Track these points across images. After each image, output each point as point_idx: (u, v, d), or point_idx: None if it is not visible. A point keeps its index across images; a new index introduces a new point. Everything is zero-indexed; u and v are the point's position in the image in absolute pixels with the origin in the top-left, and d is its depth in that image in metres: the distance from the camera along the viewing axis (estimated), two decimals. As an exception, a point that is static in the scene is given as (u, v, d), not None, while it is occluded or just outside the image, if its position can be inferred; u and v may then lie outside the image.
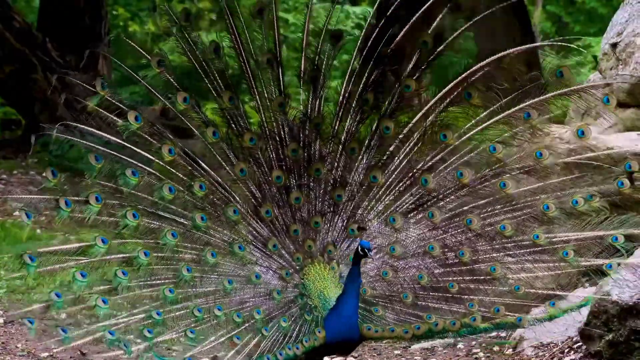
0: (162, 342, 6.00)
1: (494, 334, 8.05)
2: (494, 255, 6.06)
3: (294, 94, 6.19)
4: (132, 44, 6.40)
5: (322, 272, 6.06)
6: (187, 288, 6.01)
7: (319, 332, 5.93)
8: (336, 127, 6.12)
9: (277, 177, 6.08)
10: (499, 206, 6.07)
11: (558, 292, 6.08)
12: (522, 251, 6.06)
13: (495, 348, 7.84)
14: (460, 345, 8.02)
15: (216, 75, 6.08)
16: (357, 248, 5.85)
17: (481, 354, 7.78)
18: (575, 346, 7.20)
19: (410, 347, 8.01)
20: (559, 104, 6.02)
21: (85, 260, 5.95)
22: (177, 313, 5.98)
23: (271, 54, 6.09)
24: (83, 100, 6.04)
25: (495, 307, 6.04)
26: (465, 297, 6.06)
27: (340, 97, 6.15)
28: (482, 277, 6.06)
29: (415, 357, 7.89)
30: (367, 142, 6.12)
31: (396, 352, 7.93)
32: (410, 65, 6.06)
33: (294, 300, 6.08)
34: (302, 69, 6.13)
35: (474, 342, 8.04)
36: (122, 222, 5.96)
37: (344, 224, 6.14)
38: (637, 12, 9.51)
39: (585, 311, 6.70)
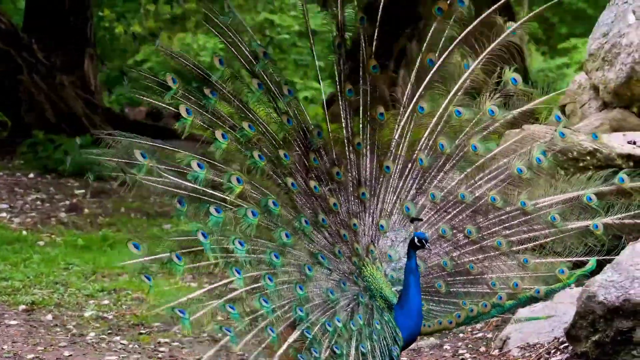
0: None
1: (480, 334, 8.07)
2: (495, 229, 6.18)
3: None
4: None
5: (373, 273, 6.10)
6: (308, 304, 5.98)
7: (398, 332, 5.98)
8: (328, 125, 6.19)
9: (315, 187, 6.14)
10: (479, 175, 6.19)
11: (562, 259, 6.18)
12: (516, 221, 6.17)
13: (482, 349, 7.84)
14: (446, 347, 8.02)
15: (217, 109, 6.05)
16: (413, 240, 5.87)
17: (467, 355, 7.78)
18: (561, 347, 7.21)
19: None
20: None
21: (229, 296, 5.86)
22: (315, 328, 5.90)
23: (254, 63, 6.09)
24: (129, 171, 5.83)
25: (513, 282, 6.15)
26: (486, 276, 6.17)
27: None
28: (492, 254, 6.17)
29: (403, 358, 7.87)
30: (362, 132, 6.16)
31: (382, 353, 7.91)
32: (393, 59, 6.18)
33: (370, 303, 6.09)
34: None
35: (460, 343, 8.04)
36: (232, 248, 5.88)
37: (374, 222, 6.19)
38: (622, 12, 9.53)
39: (571, 312, 6.72)
